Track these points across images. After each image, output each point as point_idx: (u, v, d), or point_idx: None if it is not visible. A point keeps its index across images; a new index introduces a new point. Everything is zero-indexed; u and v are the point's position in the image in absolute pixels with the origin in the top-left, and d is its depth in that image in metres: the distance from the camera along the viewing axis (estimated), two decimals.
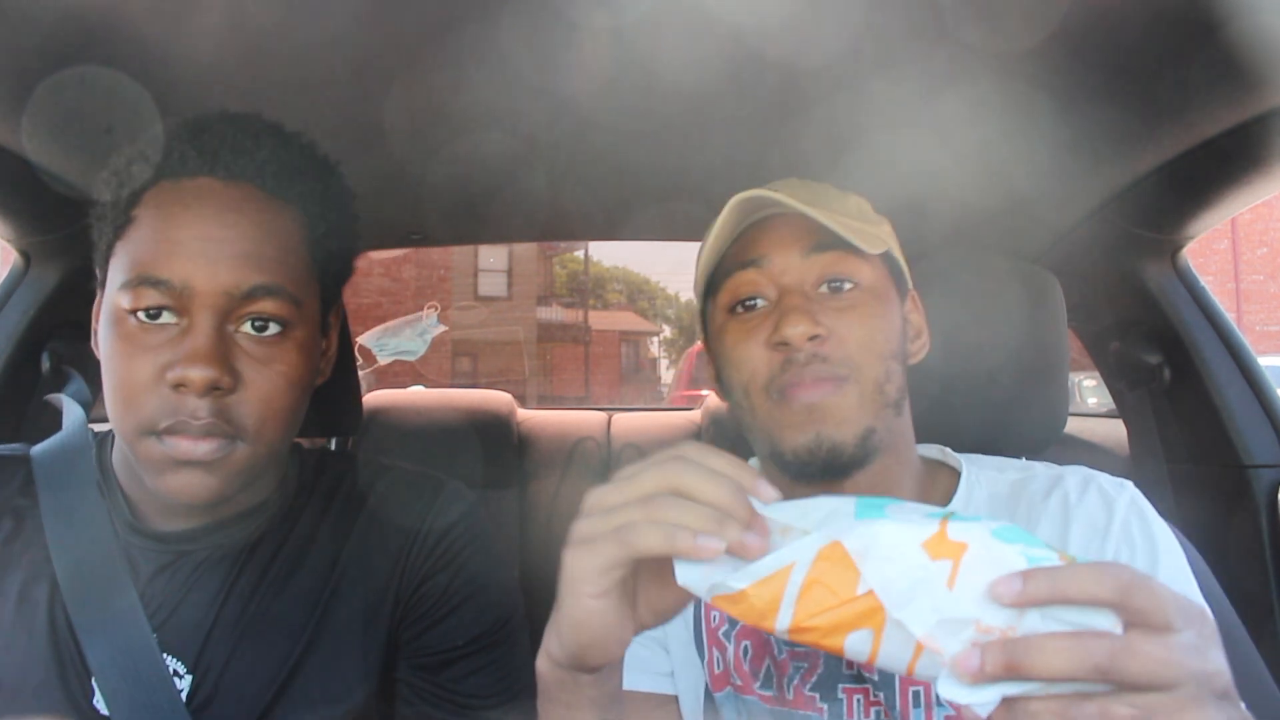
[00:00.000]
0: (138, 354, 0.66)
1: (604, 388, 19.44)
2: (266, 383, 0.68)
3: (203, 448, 0.66)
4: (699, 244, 0.82)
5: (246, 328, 0.68)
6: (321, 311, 0.76)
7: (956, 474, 0.80)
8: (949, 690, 0.43)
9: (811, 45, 0.91)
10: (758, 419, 0.74)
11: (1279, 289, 14.71)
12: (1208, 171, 1.10)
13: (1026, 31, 0.85)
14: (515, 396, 2.08)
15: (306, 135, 0.77)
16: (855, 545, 0.45)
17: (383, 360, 3.49)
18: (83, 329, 0.75)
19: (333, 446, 1.73)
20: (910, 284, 0.81)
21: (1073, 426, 1.71)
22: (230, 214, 0.68)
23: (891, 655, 0.44)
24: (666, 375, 21.86)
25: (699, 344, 0.91)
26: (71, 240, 1.15)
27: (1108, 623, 0.43)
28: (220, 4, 0.80)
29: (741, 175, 1.23)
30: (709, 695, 0.79)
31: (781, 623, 0.46)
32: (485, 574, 0.81)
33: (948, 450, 0.83)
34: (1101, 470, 0.78)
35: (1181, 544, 0.75)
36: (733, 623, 0.79)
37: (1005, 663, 0.42)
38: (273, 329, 0.69)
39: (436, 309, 3.82)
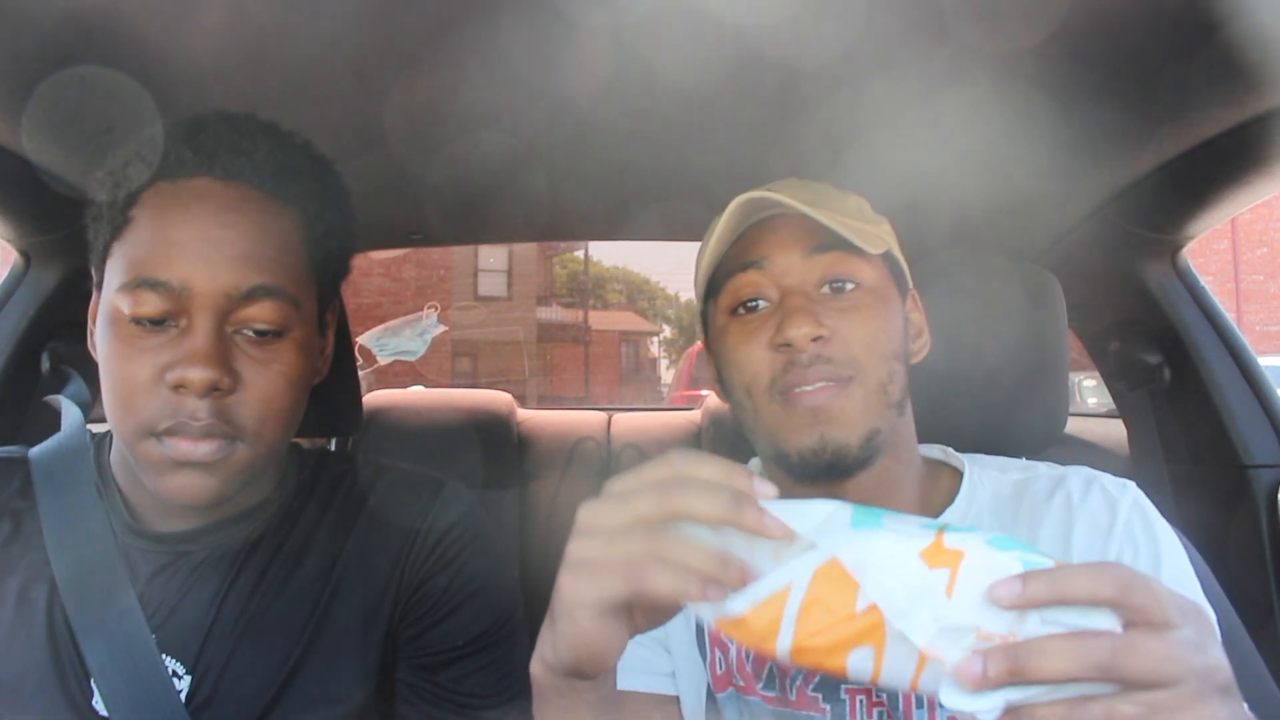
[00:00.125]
0: (136, 355, 0.66)
1: (604, 388, 19.44)
2: (266, 383, 0.68)
3: (203, 449, 0.66)
4: (699, 244, 0.82)
5: (245, 329, 0.68)
6: (319, 311, 0.76)
7: (959, 474, 0.80)
8: (952, 699, 0.43)
9: (811, 45, 0.91)
10: (761, 420, 0.73)
11: (1279, 289, 14.71)
12: (1208, 171, 1.10)
13: (1026, 31, 0.85)
14: (515, 396, 2.08)
15: (303, 135, 0.76)
16: (852, 559, 0.45)
17: (383, 360, 3.49)
18: (83, 329, 0.75)
19: (332, 446, 1.73)
20: (910, 283, 0.82)
21: (1073, 426, 1.71)
22: (228, 214, 0.68)
23: (894, 671, 0.44)
24: (666, 375, 21.86)
25: (699, 344, 0.91)
26: (71, 240, 1.15)
27: (1107, 624, 0.43)
28: (220, 4, 0.80)
29: (741, 175, 1.23)
30: (711, 696, 0.79)
31: (782, 645, 0.45)
32: (485, 574, 0.81)
33: (950, 450, 0.83)
34: (1101, 470, 0.78)
35: (1183, 545, 0.75)
36: None
37: (1008, 667, 0.42)
38: (272, 330, 0.69)
39: (436, 309, 3.82)
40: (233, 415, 0.67)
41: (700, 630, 0.81)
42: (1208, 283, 1.36)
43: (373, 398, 1.97)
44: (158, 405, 0.66)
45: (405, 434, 1.88)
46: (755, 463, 0.88)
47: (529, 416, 2.05)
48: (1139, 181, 1.18)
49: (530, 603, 0.85)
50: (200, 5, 0.80)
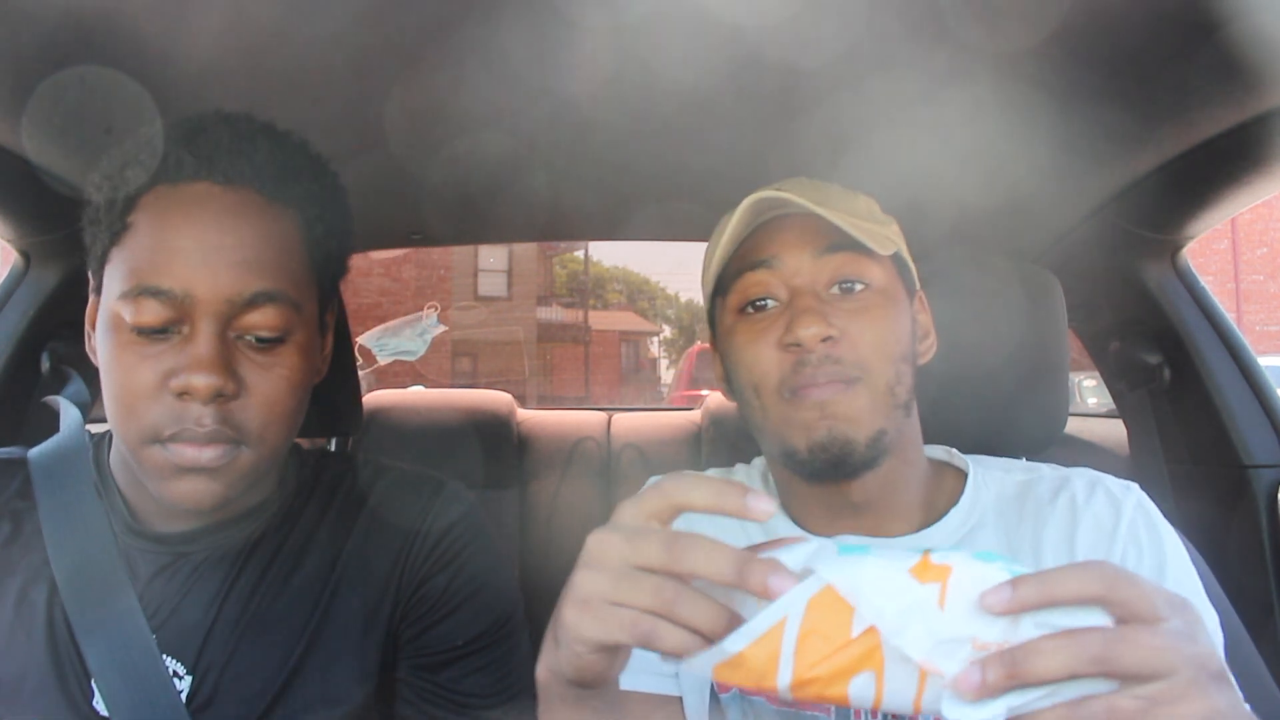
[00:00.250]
0: (139, 362, 0.66)
1: (604, 388, 19.44)
2: (269, 387, 0.68)
3: (207, 454, 0.66)
4: (699, 244, 0.82)
5: (248, 334, 0.68)
6: (319, 312, 0.76)
7: (963, 475, 0.80)
8: (955, 711, 0.43)
9: (811, 45, 0.91)
10: (769, 419, 0.73)
11: (1279, 289, 14.71)
12: (1208, 171, 1.10)
13: (1026, 31, 0.85)
14: (515, 396, 2.08)
15: (301, 135, 0.76)
16: (845, 584, 0.45)
17: (383, 360, 3.49)
18: (83, 329, 0.75)
19: (332, 447, 1.73)
20: (918, 284, 0.81)
21: (1073, 426, 1.71)
22: (229, 219, 0.67)
23: (896, 694, 0.44)
24: (666, 375, 21.87)
25: (699, 344, 0.91)
26: (71, 240, 1.15)
27: (1098, 622, 0.44)
28: (220, 4, 0.80)
29: (741, 175, 1.23)
30: (714, 697, 0.79)
31: (783, 680, 0.45)
32: (485, 574, 0.81)
33: (954, 451, 0.83)
34: (1101, 470, 0.78)
35: (1185, 546, 0.75)
36: None
37: (1006, 673, 0.42)
38: (274, 335, 0.69)
39: (436, 309, 3.82)
40: (237, 420, 0.67)
41: None
42: (1208, 283, 1.36)
43: (373, 398, 1.97)
44: (162, 412, 0.65)
45: (405, 434, 1.88)
46: (759, 462, 0.88)
47: (529, 416, 2.05)
48: (1139, 181, 1.18)
49: (530, 603, 0.85)
50: (200, 5, 0.80)
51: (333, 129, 1.09)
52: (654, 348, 24.26)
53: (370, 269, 14.72)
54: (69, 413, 0.83)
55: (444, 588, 0.79)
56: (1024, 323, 0.98)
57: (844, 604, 0.45)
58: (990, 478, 0.79)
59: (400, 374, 4.79)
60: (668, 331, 25.38)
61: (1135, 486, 0.75)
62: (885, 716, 0.70)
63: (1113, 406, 1.58)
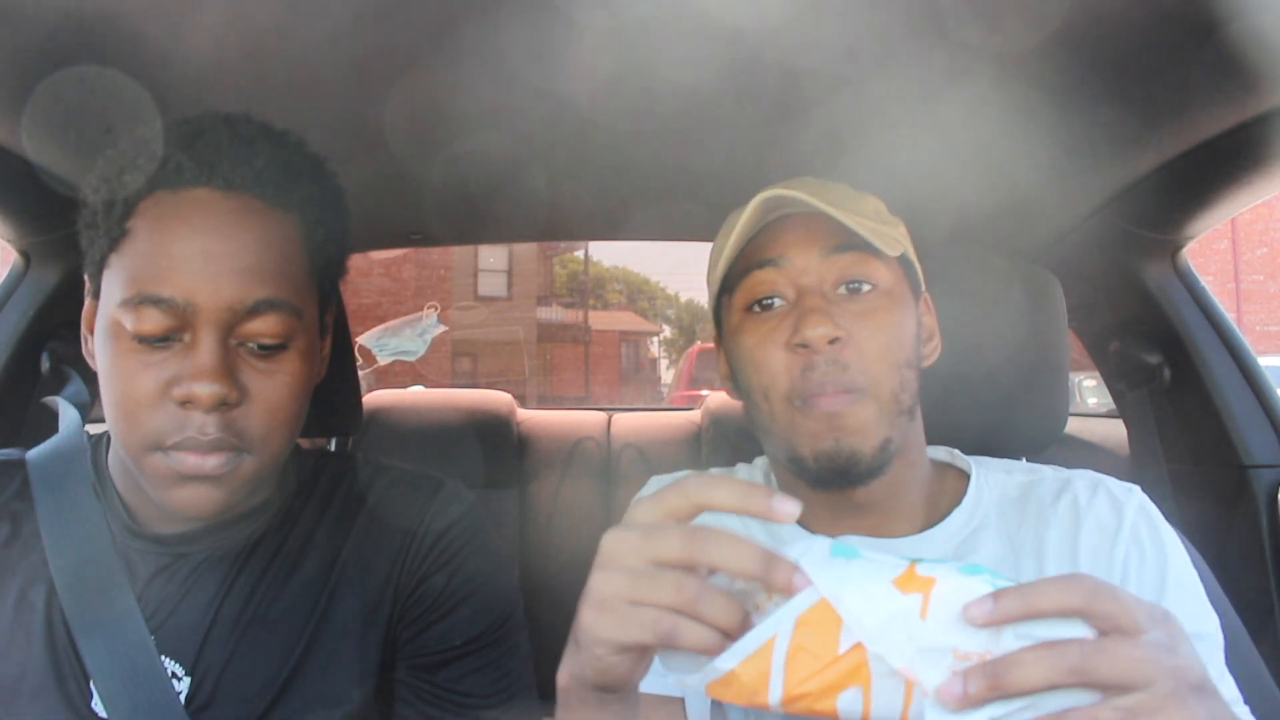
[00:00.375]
0: (140, 371, 0.65)
1: (604, 388, 19.44)
2: (272, 394, 0.68)
3: (211, 462, 0.66)
4: (699, 244, 0.82)
5: (250, 342, 0.67)
6: (319, 315, 0.76)
7: (965, 476, 0.80)
8: None
9: (811, 45, 0.91)
10: (776, 423, 0.73)
11: (1279, 289, 14.71)
12: (1208, 171, 1.10)
13: (1026, 31, 0.85)
14: (515, 396, 2.08)
15: (299, 136, 0.75)
16: (829, 589, 0.46)
17: (383, 360, 3.49)
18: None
19: (332, 446, 1.73)
20: (923, 286, 0.81)
21: (1073, 426, 1.71)
22: (231, 226, 0.66)
23: (883, 707, 0.45)
24: (666, 375, 21.87)
25: (699, 344, 0.91)
26: (71, 240, 1.15)
27: (1080, 635, 0.44)
28: (220, 4, 0.80)
29: (742, 175, 1.23)
30: None
31: (774, 696, 0.46)
32: (483, 574, 0.81)
33: (956, 452, 0.83)
34: (1101, 470, 0.78)
35: (1186, 547, 0.76)
36: None
37: (987, 683, 0.43)
38: (276, 343, 0.68)
39: (436, 309, 3.82)
40: (239, 428, 0.67)
41: None
42: (1208, 283, 1.36)
43: (373, 398, 1.97)
44: (164, 420, 0.65)
45: (405, 434, 1.88)
46: (760, 462, 0.88)
47: (529, 416, 2.05)
48: (1139, 181, 1.18)
49: (530, 603, 0.85)
50: (200, 5, 0.80)
51: (333, 129, 1.09)
52: (654, 348, 24.27)
53: (370, 269, 14.72)
54: (67, 414, 0.83)
55: (442, 587, 0.79)
56: (1024, 323, 0.98)
57: (832, 620, 0.45)
58: (992, 479, 0.79)
59: (400, 374, 4.79)
60: (668, 331, 25.38)
61: (1137, 489, 0.75)
62: None
63: (1113, 406, 1.58)
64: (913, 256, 0.79)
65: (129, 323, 0.65)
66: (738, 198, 0.84)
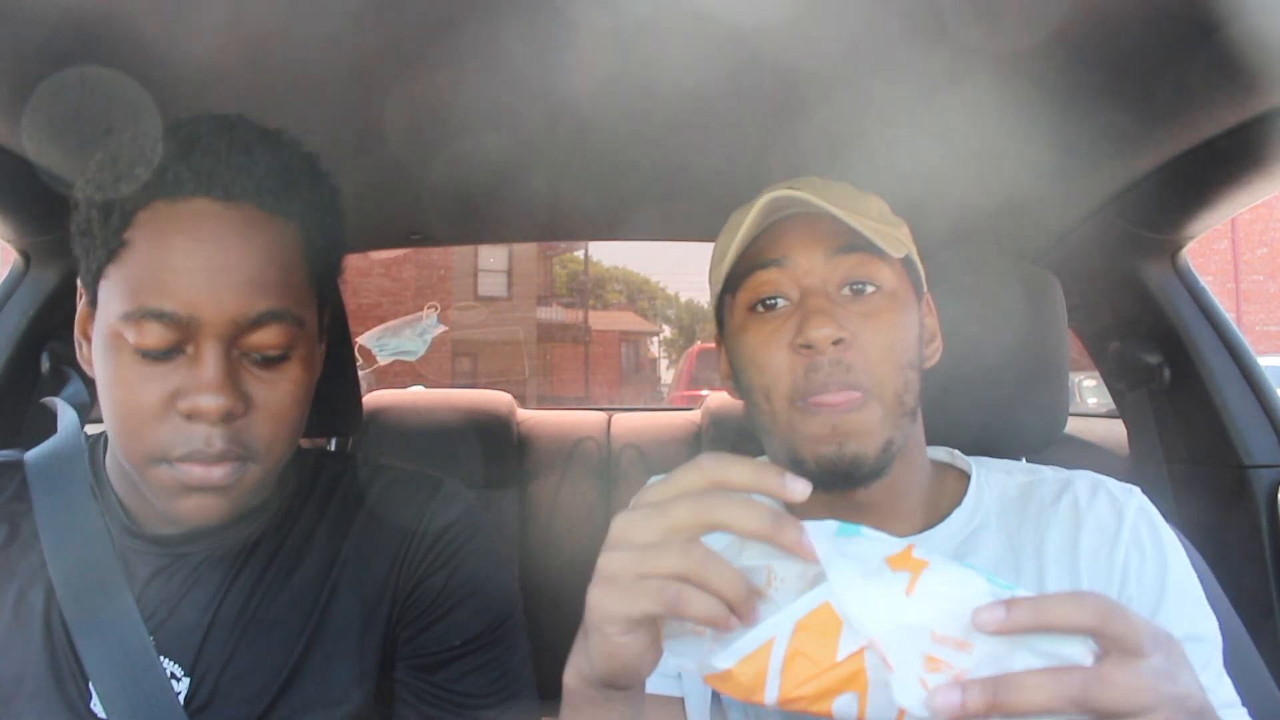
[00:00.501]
0: (143, 384, 0.65)
1: (604, 388, 19.44)
2: (275, 403, 0.68)
3: (217, 473, 0.66)
4: (699, 244, 0.82)
5: (253, 353, 0.67)
6: (319, 319, 0.76)
7: (965, 476, 0.80)
8: None
9: (811, 45, 0.91)
10: (777, 424, 0.73)
11: (1279, 289, 14.71)
12: (1208, 171, 1.10)
13: (1026, 31, 0.85)
14: (515, 396, 2.08)
15: (296, 137, 0.74)
16: (825, 556, 0.47)
17: (383, 360, 3.49)
18: None
19: (332, 446, 1.73)
20: (925, 287, 0.81)
21: (1073, 426, 1.71)
22: (232, 238, 0.66)
23: (878, 713, 0.45)
24: (666, 375, 21.87)
25: (699, 344, 0.91)
26: (72, 240, 1.15)
27: (1075, 648, 0.44)
28: (220, 4, 0.80)
29: (741, 175, 1.23)
30: (716, 698, 0.78)
31: (770, 696, 0.47)
32: (482, 574, 0.81)
33: (957, 453, 0.83)
34: (1101, 470, 0.78)
35: (1185, 548, 0.76)
36: None
37: (985, 701, 0.43)
38: (279, 353, 0.68)
39: (436, 309, 3.82)
40: (244, 438, 0.67)
41: None
42: (1208, 283, 1.36)
43: (373, 398, 1.97)
44: (170, 433, 0.65)
45: (405, 434, 1.88)
46: (760, 461, 0.88)
47: (529, 416, 2.05)
48: (1139, 182, 1.18)
49: (530, 603, 0.85)
50: (200, 6, 0.80)
51: (333, 129, 1.10)
52: (654, 348, 24.28)
53: (370, 269, 14.72)
54: (66, 414, 0.83)
55: (441, 587, 0.79)
56: (1024, 323, 0.98)
57: (831, 626, 0.46)
58: (993, 479, 0.79)
59: (400, 374, 4.79)
60: (668, 331, 25.39)
61: (1137, 490, 0.75)
62: None
63: (1113, 406, 1.58)
64: (916, 258, 0.79)
65: (131, 336, 0.64)
66: (738, 198, 0.84)
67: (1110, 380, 1.52)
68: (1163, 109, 1.00)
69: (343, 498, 0.82)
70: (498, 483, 1.88)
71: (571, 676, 0.57)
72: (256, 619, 0.75)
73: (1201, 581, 0.73)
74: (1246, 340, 1.34)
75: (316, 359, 0.75)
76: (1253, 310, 14.47)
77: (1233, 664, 0.71)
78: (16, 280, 1.24)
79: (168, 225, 0.65)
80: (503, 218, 1.61)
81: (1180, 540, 0.76)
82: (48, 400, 0.90)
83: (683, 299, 25.63)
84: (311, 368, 0.73)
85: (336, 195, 0.76)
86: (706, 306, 0.86)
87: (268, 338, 0.67)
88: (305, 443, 0.87)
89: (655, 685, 0.80)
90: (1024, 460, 0.90)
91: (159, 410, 0.65)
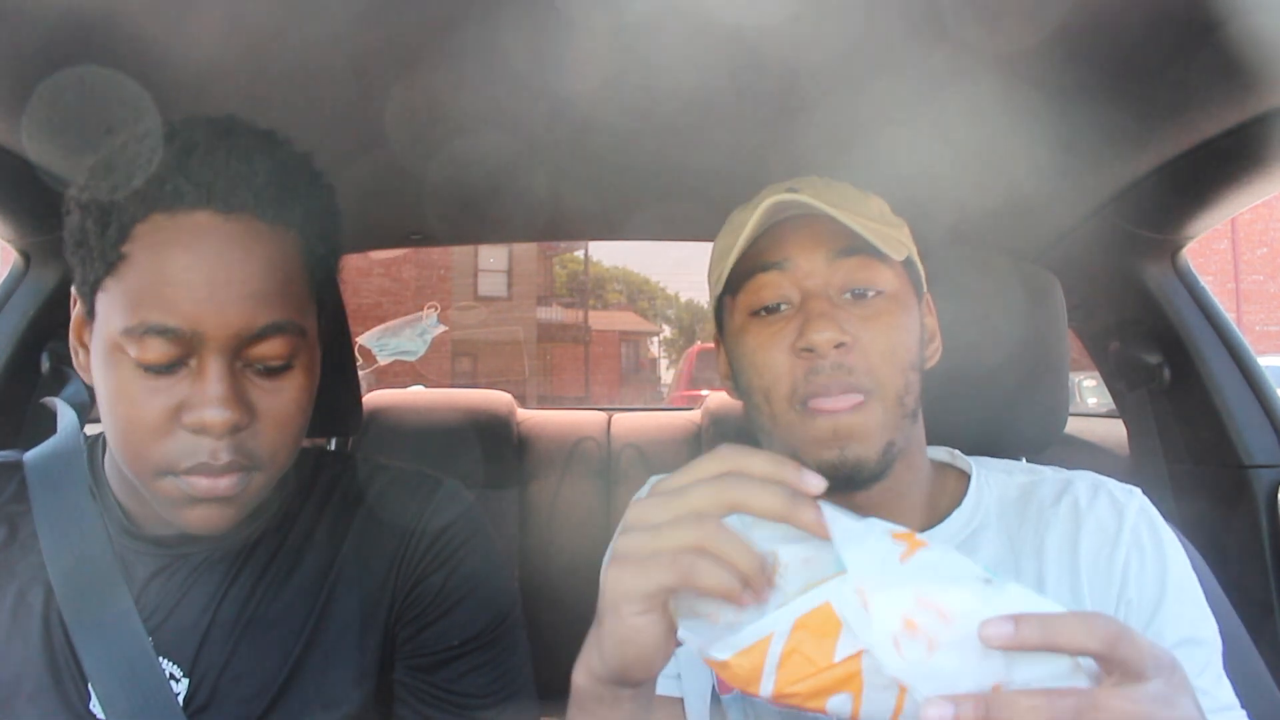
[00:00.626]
0: (147, 398, 0.64)
1: (604, 388, 19.45)
2: (279, 412, 0.68)
3: (224, 484, 0.66)
4: (699, 244, 0.82)
5: (256, 365, 0.67)
6: (319, 322, 0.76)
7: (965, 476, 0.79)
8: None
9: (811, 45, 0.91)
10: (778, 427, 0.73)
11: (1279, 289, 14.71)
12: (1208, 171, 1.10)
13: (1026, 31, 0.85)
14: (515, 396, 2.08)
15: (289, 140, 0.73)
16: (833, 523, 0.48)
17: (383, 360, 3.49)
18: None
19: (332, 446, 1.73)
20: (925, 287, 0.81)
21: (1073, 426, 1.71)
22: (233, 251, 0.65)
23: (871, 717, 0.46)
24: (666, 375, 21.87)
25: (699, 344, 0.91)
26: (65, 249, 1.15)
27: (1064, 662, 0.44)
28: (220, 4, 0.80)
29: (741, 175, 1.23)
30: (716, 698, 0.78)
31: (765, 689, 0.47)
32: (482, 573, 0.81)
33: (957, 453, 0.83)
34: (1101, 470, 0.78)
35: (1185, 549, 0.75)
36: None
37: (978, 717, 0.42)
38: (282, 364, 0.68)
39: (436, 309, 3.82)
40: (249, 448, 0.66)
41: None
42: (1208, 283, 1.36)
43: (373, 398, 1.97)
44: (175, 447, 0.65)
45: (405, 434, 1.88)
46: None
47: (529, 416, 2.05)
48: (1139, 181, 1.18)
49: (530, 603, 0.85)
50: (200, 6, 0.80)
51: (333, 129, 1.09)
52: (654, 348, 24.28)
53: (370, 269, 14.72)
54: (65, 415, 0.83)
55: (440, 587, 0.78)
56: (1024, 323, 0.98)
57: (831, 627, 0.46)
58: (993, 479, 0.79)
59: (400, 374, 4.80)
60: (668, 331, 25.40)
61: (1138, 491, 0.75)
62: None
63: (1113, 406, 1.58)
64: (917, 259, 0.79)
65: (133, 351, 0.64)
66: (738, 198, 0.84)
67: (1110, 380, 1.52)
68: (1163, 109, 1.00)
69: (342, 497, 0.82)
70: (498, 483, 1.88)
71: (581, 674, 0.57)
72: (256, 619, 0.75)
73: (1201, 582, 0.73)
74: (1246, 340, 1.34)
75: (318, 363, 0.75)
76: (1253, 310, 14.47)
77: (1232, 665, 0.71)
78: (16, 280, 1.24)
79: (167, 239, 0.64)
80: (503, 218, 1.61)
81: (1181, 541, 0.76)
82: (47, 400, 0.90)
83: (683, 299, 25.63)
84: (314, 373, 0.73)
85: (334, 197, 0.75)
86: (706, 306, 0.86)
87: (271, 349, 0.66)
88: (305, 442, 0.87)
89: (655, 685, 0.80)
90: (1024, 460, 0.90)
91: (163, 424, 0.64)
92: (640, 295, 25.66)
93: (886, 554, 0.47)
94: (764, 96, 1.05)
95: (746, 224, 0.73)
